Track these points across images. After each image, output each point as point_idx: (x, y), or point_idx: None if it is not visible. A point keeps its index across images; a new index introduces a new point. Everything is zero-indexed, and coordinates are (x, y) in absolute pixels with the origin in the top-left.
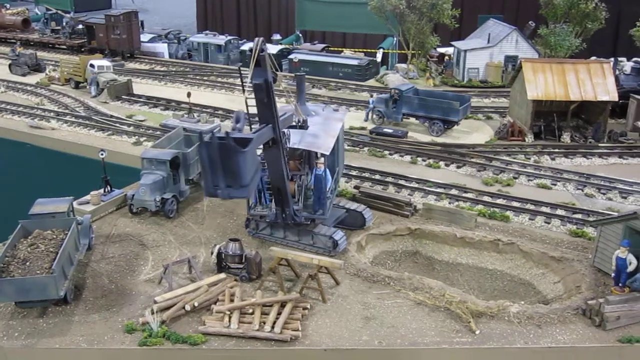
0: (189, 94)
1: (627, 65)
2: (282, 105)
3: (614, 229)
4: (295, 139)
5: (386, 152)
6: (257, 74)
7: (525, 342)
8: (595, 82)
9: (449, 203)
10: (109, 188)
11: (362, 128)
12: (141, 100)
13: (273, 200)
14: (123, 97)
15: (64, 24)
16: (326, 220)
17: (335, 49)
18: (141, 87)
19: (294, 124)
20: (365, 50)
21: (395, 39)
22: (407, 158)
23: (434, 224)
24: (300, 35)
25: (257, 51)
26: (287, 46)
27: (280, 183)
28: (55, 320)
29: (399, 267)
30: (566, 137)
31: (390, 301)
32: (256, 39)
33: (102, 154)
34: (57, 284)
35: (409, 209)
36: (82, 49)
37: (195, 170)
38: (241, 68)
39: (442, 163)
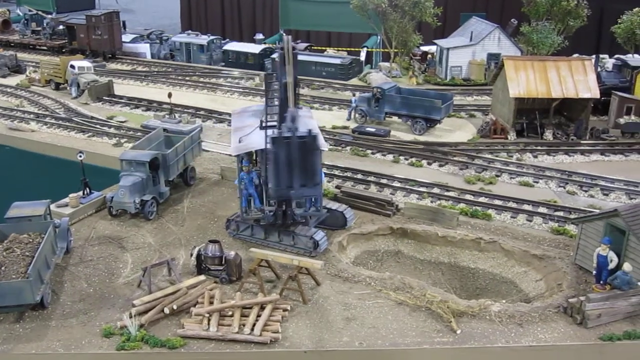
0: (169, 95)
1: (609, 62)
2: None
3: (595, 227)
4: None
5: (369, 152)
6: (289, 71)
7: (507, 341)
8: (576, 79)
9: (431, 202)
10: (88, 190)
11: (345, 127)
12: (122, 101)
13: (268, 203)
14: (104, 98)
15: (45, 24)
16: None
17: (319, 48)
18: (123, 87)
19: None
20: (350, 49)
21: (379, 37)
22: (390, 157)
23: (416, 223)
24: (284, 34)
25: (289, 49)
26: (270, 45)
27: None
28: (32, 325)
29: (381, 267)
30: (548, 135)
31: (371, 301)
32: (285, 37)
33: (80, 156)
34: (33, 289)
35: (391, 209)
36: (63, 50)
37: (175, 171)
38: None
39: (424, 162)
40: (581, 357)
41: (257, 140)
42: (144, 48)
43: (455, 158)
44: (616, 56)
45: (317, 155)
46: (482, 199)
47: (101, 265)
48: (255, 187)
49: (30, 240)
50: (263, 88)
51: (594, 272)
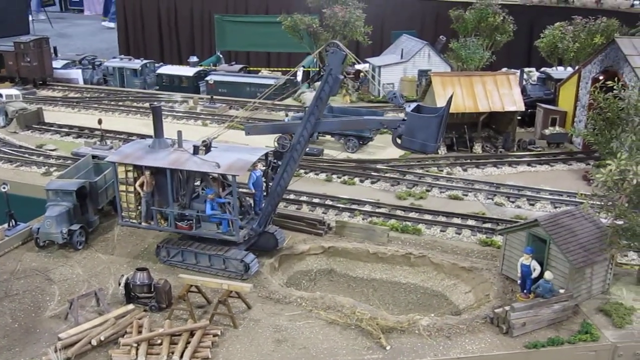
0: (100, 121)
1: (535, 75)
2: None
3: (518, 237)
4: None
5: (302, 171)
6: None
7: (435, 354)
8: (502, 92)
9: (363, 219)
10: (13, 222)
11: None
12: (52, 128)
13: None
14: (33, 126)
15: None
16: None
17: (254, 68)
18: (54, 115)
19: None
20: (288, 69)
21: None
22: (323, 176)
23: (347, 241)
24: (221, 56)
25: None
26: (205, 68)
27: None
28: None
29: (314, 287)
30: (478, 148)
31: (302, 322)
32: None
33: (4, 188)
34: None
35: (323, 227)
36: None
37: (104, 199)
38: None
39: (357, 179)
40: None
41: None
42: (76, 74)
43: (387, 174)
44: (541, 69)
45: None
46: (412, 214)
47: (27, 299)
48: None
49: None
50: (197, 111)
51: (519, 281)
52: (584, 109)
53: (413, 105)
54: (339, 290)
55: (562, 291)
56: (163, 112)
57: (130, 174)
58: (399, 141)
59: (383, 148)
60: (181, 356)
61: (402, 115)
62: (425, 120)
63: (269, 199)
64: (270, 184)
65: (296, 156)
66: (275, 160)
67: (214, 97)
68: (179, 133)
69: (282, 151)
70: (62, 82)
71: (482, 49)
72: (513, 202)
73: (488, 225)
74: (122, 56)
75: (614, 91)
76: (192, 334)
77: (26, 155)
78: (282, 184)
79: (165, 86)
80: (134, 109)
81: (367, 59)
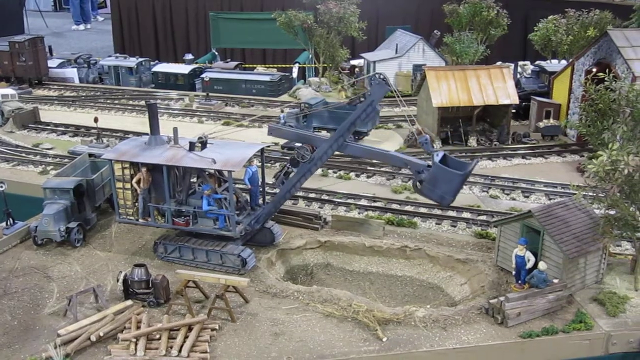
0: (96, 119)
1: (529, 68)
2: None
3: (513, 228)
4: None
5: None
6: None
7: (431, 345)
8: (496, 86)
9: (359, 213)
10: (11, 221)
11: (275, 143)
12: (49, 127)
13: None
14: (30, 125)
15: None
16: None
17: (249, 65)
18: (49, 114)
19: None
20: (284, 65)
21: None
22: (319, 171)
23: (343, 235)
24: (217, 53)
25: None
26: (200, 65)
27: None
28: None
29: (311, 281)
30: (472, 141)
31: (299, 315)
32: (379, 74)
33: (1, 187)
34: None
35: (319, 222)
36: None
37: (101, 196)
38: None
39: (352, 174)
40: (503, 356)
41: None
42: (72, 73)
43: (383, 169)
44: (536, 62)
45: None
46: (408, 208)
47: (26, 296)
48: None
49: None
50: (193, 108)
51: (514, 272)
52: (578, 101)
53: (440, 154)
54: (336, 283)
55: (556, 281)
56: (159, 110)
57: (127, 171)
58: (419, 185)
59: (378, 142)
60: (180, 350)
61: (412, 157)
62: (450, 175)
63: (275, 202)
64: (280, 186)
65: (314, 170)
66: (290, 167)
67: (210, 94)
68: (175, 130)
69: (300, 160)
70: (58, 81)
71: (477, 43)
72: (508, 194)
73: (483, 217)
74: (118, 54)
75: (606, 83)
76: (190, 328)
77: (23, 155)
78: (292, 192)
79: (160, 84)
80: (129, 107)
81: (362, 54)
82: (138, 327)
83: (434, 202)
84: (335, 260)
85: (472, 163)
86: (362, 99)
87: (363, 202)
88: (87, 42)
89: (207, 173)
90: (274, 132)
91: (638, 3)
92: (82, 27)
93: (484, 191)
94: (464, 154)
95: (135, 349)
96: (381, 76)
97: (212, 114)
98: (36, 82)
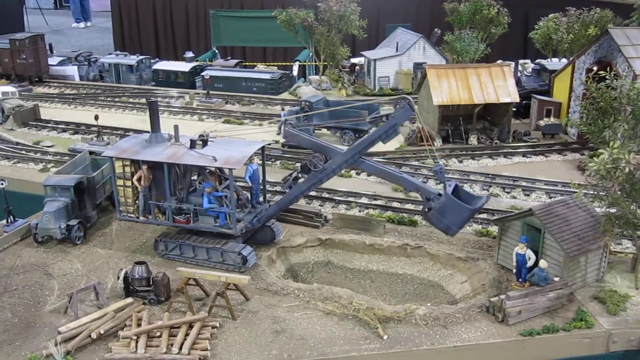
0: (96, 117)
1: (530, 66)
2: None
3: (514, 227)
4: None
5: (298, 165)
6: None
7: (432, 343)
8: (496, 84)
9: (359, 211)
10: (11, 218)
11: (276, 141)
12: (49, 125)
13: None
14: (30, 123)
15: None
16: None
17: (250, 63)
18: (50, 111)
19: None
20: (285, 63)
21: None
22: None
23: (344, 233)
24: (217, 51)
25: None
26: (200, 63)
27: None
28: None
29: (311, 279)
30: (473, 140)
31: (300, 313)
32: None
33: (1, 184)
34: None
35: (319, 220)
36: None
37: (102, 194)
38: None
39: (353, 172)
40: (504, 354)
41: None
42: (72, 70)
43: None
44: (536, 61)
45: None
46: (408, 206)
47: (26, 294)
48: None
49: None
50: (193, 106)
51: (514, 270)
52: (578, 100)
53: (452, 184)
54: (336, 281)
55: (556, 279)
56: (159, 108)
57: (127, 169)
58: (427, 213)
59: None
60: (180, 348)
61: (420, 183)
62: (460, 207)
63: (280, 205)
64: (287, 190)
65: (324, 180)
66: (301, 173)
67: (210, 92)
68: (176, 127)
69: (312, 169)
70: (58, 79)
71: (477, 41)
72: (508, 192)
73: (483, 215)
74: (118, 52)
75: (607, 81)
76: (191, 326)
77: (23, 152)
78: (299, 198)
79: (161, 82)
80: (130, 105)
81: (363, 53)
82: (139, 325)
83: (439, 230)
84: (335, 258)
85: (483, 198)
86: (384, 120)
87: (364, 200)
88: (87, 40)
89: (207, 171)
90: (289, 138)
91: (639, 2)
92: (82, 24)
93: (484, 189)
94: (464, 152)
95: (136, 347)
96: (407, 101)
97: (212, 112)
98: (36, 79)
